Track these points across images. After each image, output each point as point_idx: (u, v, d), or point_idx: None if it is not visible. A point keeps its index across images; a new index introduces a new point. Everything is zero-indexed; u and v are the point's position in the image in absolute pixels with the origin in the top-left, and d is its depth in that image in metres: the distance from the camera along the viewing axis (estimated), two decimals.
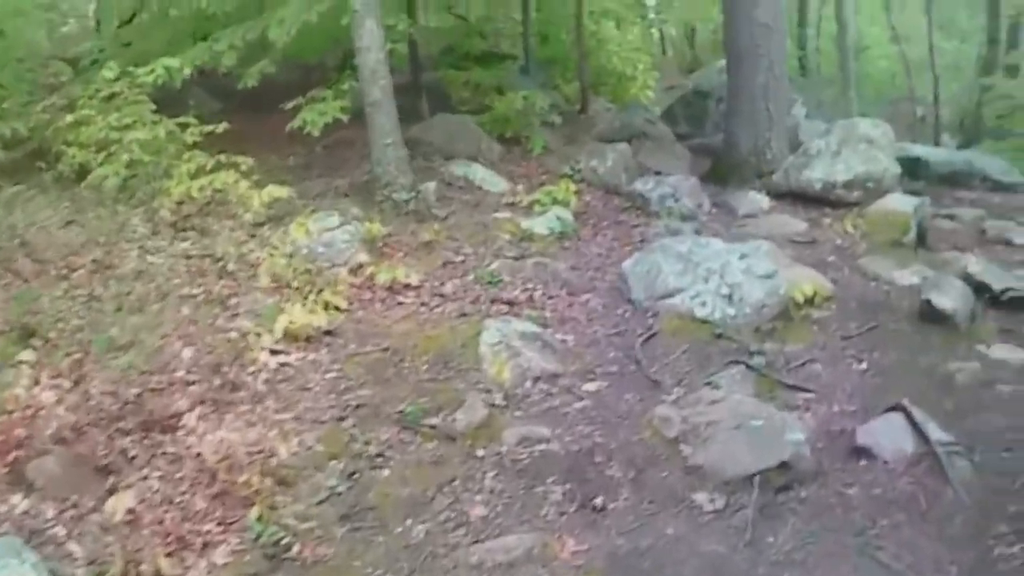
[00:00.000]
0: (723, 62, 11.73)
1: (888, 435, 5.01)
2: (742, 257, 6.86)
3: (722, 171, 10.75)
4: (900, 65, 20.08)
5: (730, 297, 6.59)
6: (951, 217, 9.75)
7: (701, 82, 15.52)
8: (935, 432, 4.97)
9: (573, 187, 9.52)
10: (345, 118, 8.97)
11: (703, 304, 6.60)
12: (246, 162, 8.19)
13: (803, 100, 14.47)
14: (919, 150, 12.83)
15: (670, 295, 6.78)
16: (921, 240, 8.57)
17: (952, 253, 8.19)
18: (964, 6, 23.24)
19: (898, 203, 8.73)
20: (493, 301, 7.08)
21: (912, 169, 12.07)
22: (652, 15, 22.99)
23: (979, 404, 5.53)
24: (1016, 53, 16.63)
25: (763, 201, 9.55)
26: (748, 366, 5.92)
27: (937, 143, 17.03)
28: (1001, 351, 6.18)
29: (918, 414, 5.09)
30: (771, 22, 10.30)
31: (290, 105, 8.93)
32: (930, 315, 6.51)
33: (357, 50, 8.44)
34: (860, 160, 9.18)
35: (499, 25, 16.47)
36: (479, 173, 10.16)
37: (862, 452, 4.96)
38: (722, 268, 6.77)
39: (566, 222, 8.76)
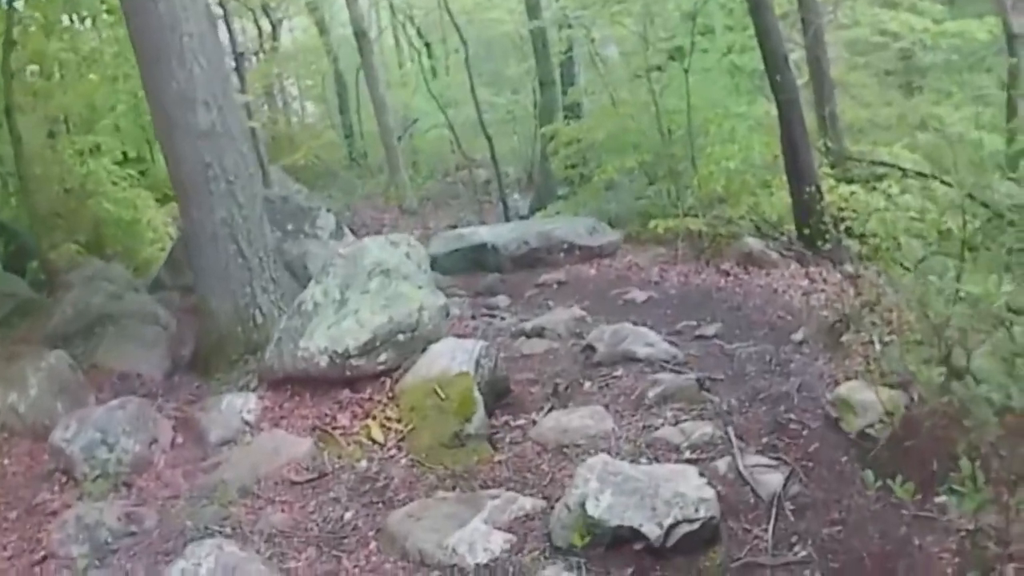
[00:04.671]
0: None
1: None
2: None
3: (205, 354, 6.79)
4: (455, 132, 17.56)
5: None
6: (540, 333, 6.56)
7: None
8: None
9: None
10: None
11: None
12: None
13: (330, 204, 11.09)
14: (485, 234, 9.87)
15: None
16: (499, 399, 5.22)
17: (551, 425, 4.81)
18: (511, 56, 21.55)
19: (449, 357, 5.24)
20: None
21: (480, 260, 9.36)
22: None
23: None
24: (574, 90, 14.48)
25: (249, 405, 5.66)
26: None
27: (505, 206, 14.43)
28: None
29: None
30: (218, 126, 6.59)
31: None
32: None
33: None
34: (377, 305, 5.57)
35: None
36: None
37: None
38: None
39: None
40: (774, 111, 9.87)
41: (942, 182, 9.40)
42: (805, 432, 4.34)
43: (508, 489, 4.13)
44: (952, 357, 4.21)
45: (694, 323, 6.75)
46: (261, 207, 6.87)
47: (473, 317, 7.59)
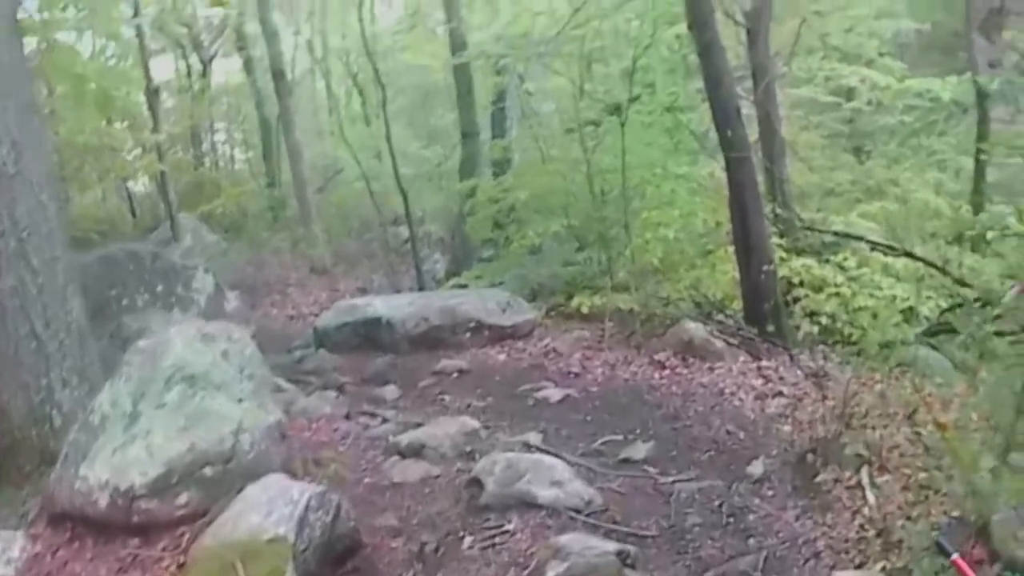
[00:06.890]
0: None
1: None
2: None
3: None
4: (379, 185, 16.02)
5: None
6: (419, 451, 5.11)
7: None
8: None
9: None
10: None
11: None
12: None
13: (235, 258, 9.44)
14: (380, 307, 8.34)
15: None
16: (342, 563, 3.77)
17: None
18: (445, 107, 20.19)
19: (264, 511, 3.61)
20: None
21: (373, 337, 8.11)
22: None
23: None
24: (496, 144, 13.08)
25: (12, 551, 4.03)
26: None
27: (418, 271, 12.92)
28: None
29: None
30: (10, 167, 5.06)
31: None
32: None
33: None
34: (174, 426, 4.00)
35: None
36: None
37: None
38: None
39: None
40: (719, 172, 8.59)
41: (908, 255, 8.20)
42: None
43: None
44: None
45: (620, 437, 5.28)
46: (65, 274, 5.28)
47: (348, 416, 6.04)
